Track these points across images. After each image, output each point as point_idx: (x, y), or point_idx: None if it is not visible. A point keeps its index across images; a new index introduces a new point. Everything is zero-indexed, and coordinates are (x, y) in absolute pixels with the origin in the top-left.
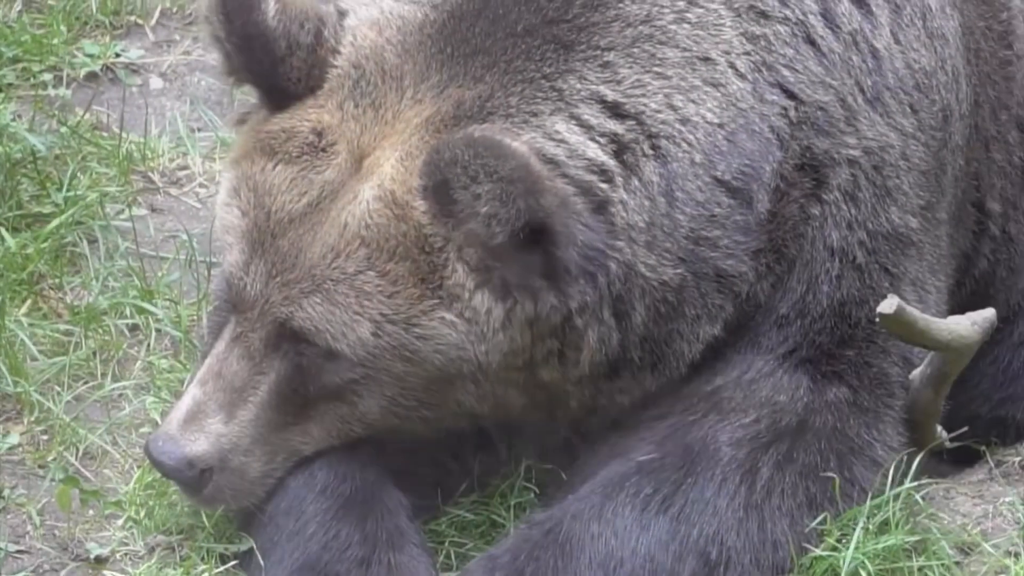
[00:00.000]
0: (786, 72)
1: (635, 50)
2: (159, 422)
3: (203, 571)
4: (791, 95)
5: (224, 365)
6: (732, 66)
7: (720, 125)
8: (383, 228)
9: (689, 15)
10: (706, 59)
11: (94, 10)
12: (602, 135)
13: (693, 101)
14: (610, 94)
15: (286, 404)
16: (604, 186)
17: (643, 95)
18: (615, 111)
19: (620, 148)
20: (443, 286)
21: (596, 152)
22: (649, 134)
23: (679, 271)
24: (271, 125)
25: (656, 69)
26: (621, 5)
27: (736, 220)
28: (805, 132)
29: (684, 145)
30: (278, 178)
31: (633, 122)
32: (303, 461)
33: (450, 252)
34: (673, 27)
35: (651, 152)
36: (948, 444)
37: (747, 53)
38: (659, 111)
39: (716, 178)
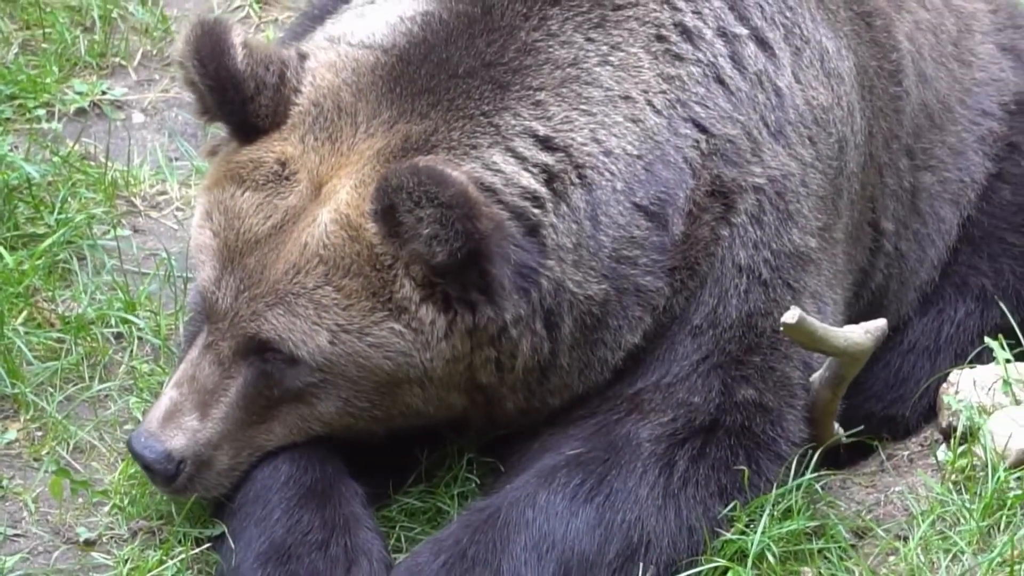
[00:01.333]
0: (698, 108)
1: (563, 90)
2: (140, 420)
3: (180, 552)
4: (703, 129)
5: (197, 370)
6: (650, 103)
7: (639, 156)
8: (339, 248)
9: (612, 58)
10: (627, 97)
11: (83, 52)
12: (534, 166)
13: (615, 135)
14: (541, 129)
15: (252, 405)
16: (536, 211)
17: (571, 130)
18: (546, 144)
19: (550, 177)
20: (392, 299)
21: (529, 181)
22: (576, 164)
23: (603, 287)
24: (240, 156)
25: (582, 107)
26: (551, 50)
27: (653, 241)
28: (715, 162)
29: (607, 174)
30: (246, 203)
31: (562, 154)
32: (269, 455)
33: (398, 269)
34: (597, 69)
35: (578, 181)
36: (845, 439)
37: (663, 92)
38: (585, 144)
39: (635, 204)
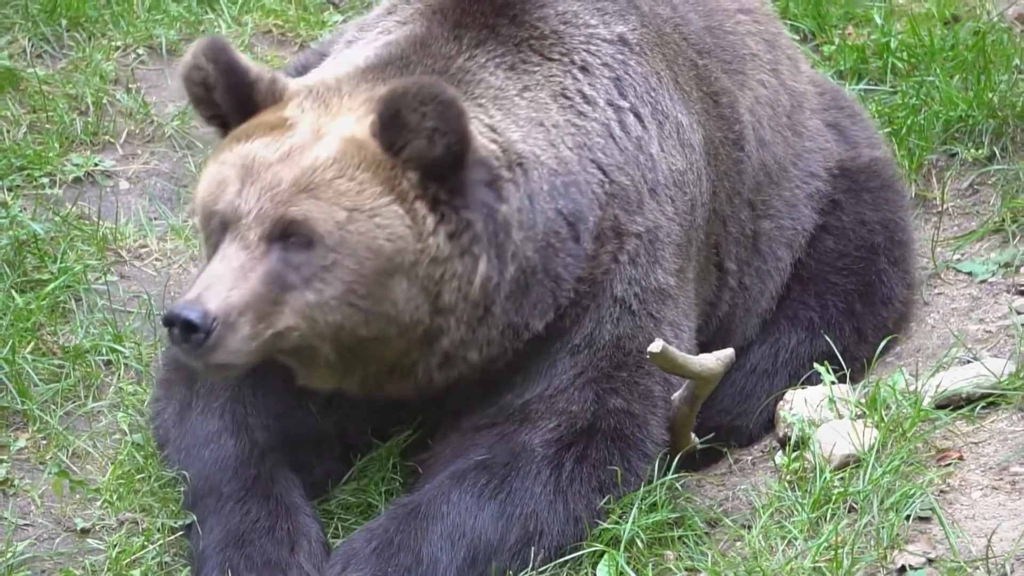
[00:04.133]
0: (601, 155)
1: (496, 103)
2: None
3: (158, 539)
4: (604, 173)
5: (226, 257)
6: (562, 139)
7: (559, 173)
8: (348, 154)
9: (527, 95)
10: (542, 125)
11: (79, 131)
12: (490, 140)
13: (541, 148)
14: (487, 119)
15: (272, 285)
16: (495, 164)
17: (508, 130)
18: (493, 130)
19: (502, 152)
20: (395, 189)
21: (493, 146)
22: (516, 153)
23: (536, 256)
24: (243, 126)
25: (512, 119)
26: (482, 73)
27: (570, 246)
28: (614, 205)
29: (536, 174)
30: (255, 144)
31: (505, 143)
32: (214, 445)
33: (399, 169)
34: (516, 98)
35: (518, 166)
36: (699, 446)
37: (572, 134)
38: (520, 142)
39: (558, 209)
